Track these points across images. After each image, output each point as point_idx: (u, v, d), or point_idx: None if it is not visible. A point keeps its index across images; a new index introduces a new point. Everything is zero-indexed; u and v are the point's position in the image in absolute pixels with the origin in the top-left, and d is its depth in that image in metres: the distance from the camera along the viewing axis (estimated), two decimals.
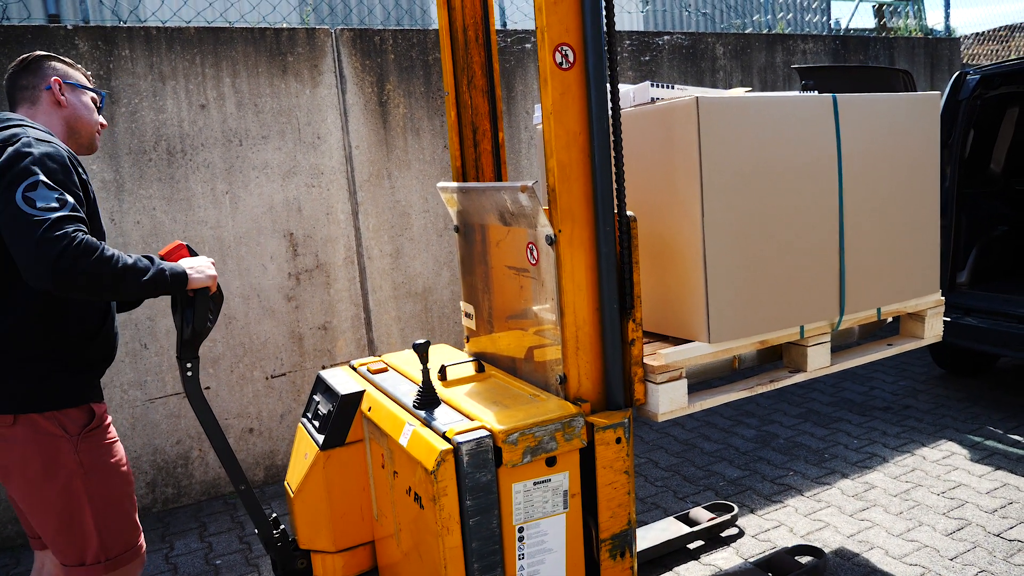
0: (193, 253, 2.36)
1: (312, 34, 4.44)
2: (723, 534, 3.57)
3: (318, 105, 4.47)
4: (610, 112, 2.18)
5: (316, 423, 2.62)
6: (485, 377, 2.53)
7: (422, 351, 2.27)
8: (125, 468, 2.30)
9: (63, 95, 2.30)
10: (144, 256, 2.09)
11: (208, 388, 4.29)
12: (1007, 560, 3.18)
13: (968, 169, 5.09)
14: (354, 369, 2.81)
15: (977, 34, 10.79)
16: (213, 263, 2.31)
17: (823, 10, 8.47)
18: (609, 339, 2.25)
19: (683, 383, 2.35)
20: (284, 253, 4.44)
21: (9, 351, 2.11)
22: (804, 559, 3.24)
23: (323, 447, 2.48)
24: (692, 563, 3.35)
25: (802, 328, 2.58)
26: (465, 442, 1.98)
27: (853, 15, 8.86)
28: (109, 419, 2.30)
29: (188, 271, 2.19)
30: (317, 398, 2.69)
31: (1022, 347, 4.40)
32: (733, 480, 4.13)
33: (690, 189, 2.32)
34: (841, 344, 2.86)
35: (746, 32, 6.84)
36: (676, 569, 3.31)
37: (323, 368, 4.57)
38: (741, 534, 3.56)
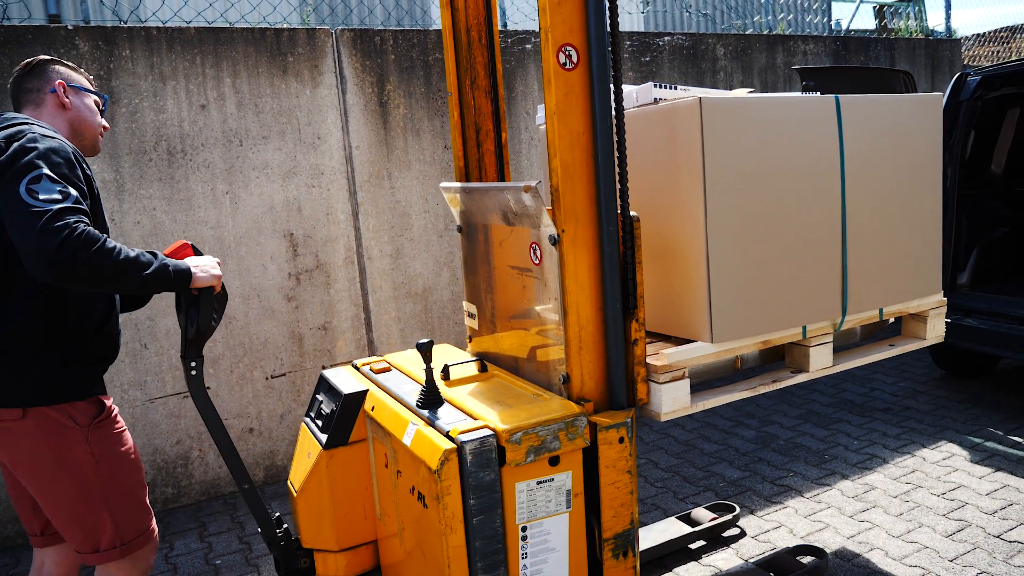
0: (198, 252, 2.37)
1: (312, 34, 4.44)
2: (724, 534, 3.57)
3: (318, 105, 4.47)
4: (614, 112, 2.18)
5: (319, 422, 2.61)
6: (488, 377, 2.53)
7: (425, 350, 2.27)
8: (135, 456, 2.35)
9: (67, 98, 2.34)
10: (148, 251, 2.11)
11: (208, 388, 4.25)
12: (1007, 561, 3.18)
13: (969, 170, 5.10)
14: (357, 369, 2.81)
15: (978, 35, 10.81)
16: (218, 263, 2.33)
17: (824, 11, 8.48)
18: (612, 339, 2.25)
19: (686, 383, 2.35)
20: (284, 253, 4.44)
21: (14, 346, 2.13)
22: (806, 559, 3.24)
23: (326, 446, 2.48)
24: (692, 564, 3.35)
25: (804, 328, 2.58)
26: (469, 441, 1.99)
27: (854, 16, 8.87)
28: (116, 410, 2.35)
29: (192, 269, 2.21)
30: (320, 397, 2.69)
31: (1023, 348, 4.41)
32: (733, 481, 4.13)
33: (693, 189, 2.32)
34: (843, 344, 2.87)
35: (747, 33, 6.84)
36: (676, 570, 3.31)
37: (323, 368, 4.57)
38: (743, 534, 3.56)
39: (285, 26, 4.47)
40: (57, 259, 1.87)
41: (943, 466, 4.09)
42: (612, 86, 2.18)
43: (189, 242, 2.37)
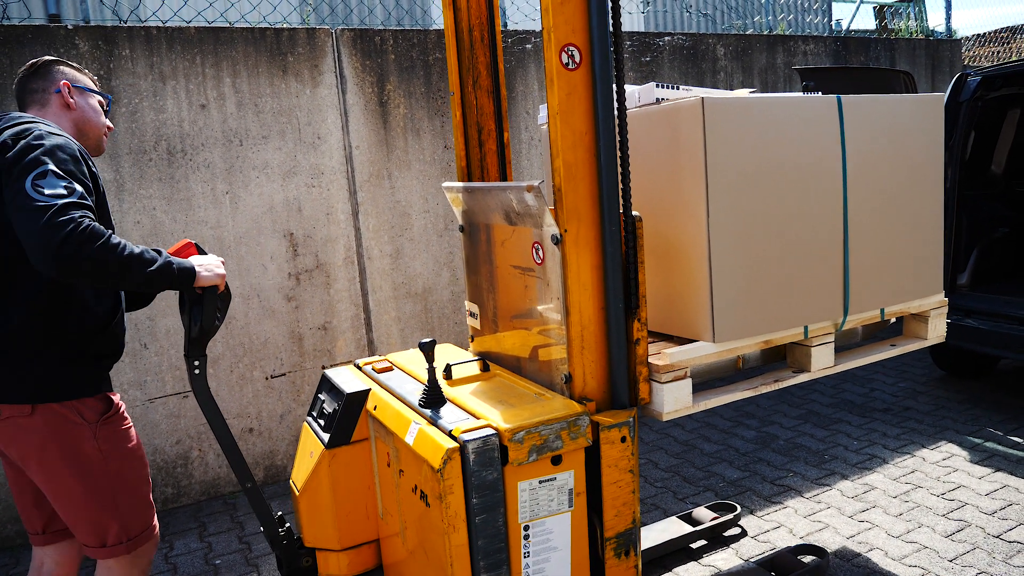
0: (201, 251, 2.37)
1: (312, 34, 4.44)
2: (726, 534, 3.57)
3: (318, 105, 4.47)
4: (616, 112, 2.19)
5: (321, 422, 2.62)
6: (490, 376, 2.54)
7: (428, 350, 2.27)
8: (141, 452, 2.38)
9: (72, 98, 2.36)
10: (153, 249, 2.11)
11: None
12: (1006, 562, 3.18)
13: (969, 171, 5.10)
14: (359, 368, 2.82)
15: (978, 36, 10.83)
16: (223, 262, 2.34)
17: (824, 11, 8.50)
18: (614, 338, 2.25)
19: (688, 382, 2.36)
20: (284, 253, 4.44)
21: (21, 343, 2.15)
22: (807, 559, 3.24)
23: (328, 445, 2.49)
24: (692, 564, 3.35)
25: (806, 328, 2.59)
26: (471, 440, 1.99)
27: (854, 16, 8.88)
28: (124, 406, 2.37)
29: (197, 268, 2.23)
30: (322, 397, 2.69)
31: (1023, 349, 4.41)
32: (733, 481, 4.13)
33: (695, 189, 2.32)
34: (844, 344, 2.87)
35: (747, 33, 6.85)
36: (676, 570, 3.31)
37: (323, 368, 4.57)
38: (744, 534, 3.56)
39: (285, 26, 4.47)
40: (61, 253, 1.88)
41: (943, 466, 4.10)
42: (615, 86, 2.18)
43: (193, 241, 2.38)
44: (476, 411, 2.19)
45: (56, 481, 2.22)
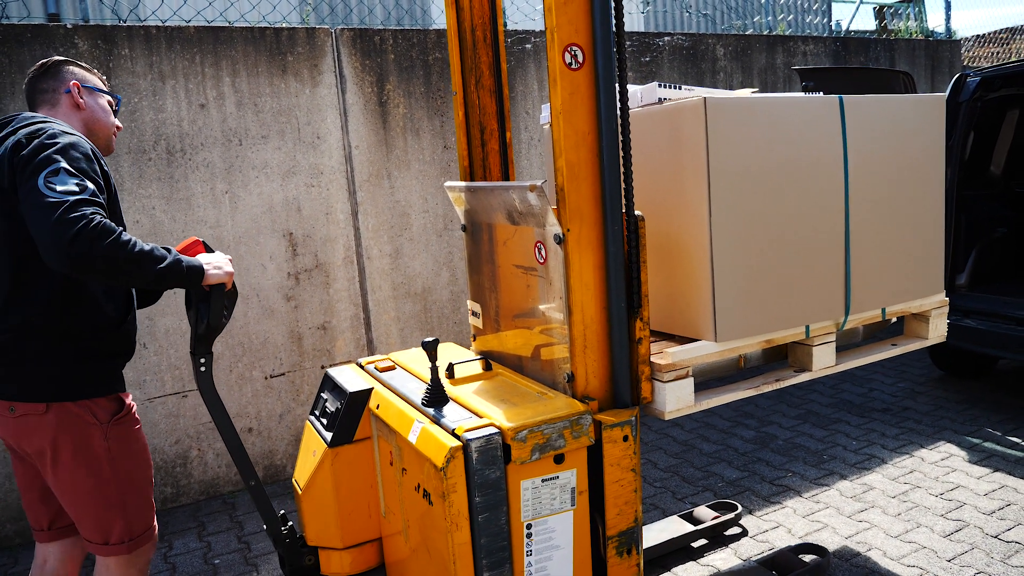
0: (209, 249, 2.38)
1: (312, 34, 4.43)
2: (726, 533, 3.57)
3: (318, 105, 4.46)
4: (619, 112, 2.19)
5: (324, 420, 2.62)
6: (493, 375, 2.54)
7: (431, 349, 2.27)
8: (147, 454, 2.40)
9: (81, 98, 2.38)
10: (162, 247, 2.12)
11: None
12: (1004, 561, 3.19)
13: (968, 171, 5.11)
14: (361, 367, 2.82)
15: (978, 36, 10.85)
16: (230, 260, 2.36)
17: (824, 12, 8.51)
18: (616, 338, 2.26)
19: (690, 382, 2.36)
20: (283, 253, 4.44)
21: (35, 341, 2.17)
22: (808, 558, 3.25)
23: (331, 444, 2.49)
24: (691, 563, 3.35)
25: (807, 328, 2.59)
26: (475, 439, 1.99)
27: (854, 17, 8.87)
28: (134, 407, 2.38)
29: (205, 266, 2.24)
30: (325, 396, 2.69)
31: (1021, 349, 4.42)
32: (732, 481, 4.14)
33: (697, 189, 2.33)
34: (846, 344, 2.87)
35: (747, 33, 6.86)
36: (675, 569, 3.31)
37: (323, 368, 4.57)
38: (744, 533, 3.57)
39: (285, 25, 4.47)
40: (73, 249, 1.90)
41: (941, 466, 4.11)
42: (617, 86, 2.19)
43: (201, 239, 2.38)
44: (479, 410, 2.19)
45: (66, 478, 2.24)
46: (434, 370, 2.29)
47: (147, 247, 2.04)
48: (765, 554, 3.34)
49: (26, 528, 3.94)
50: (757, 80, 6.27)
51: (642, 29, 8.30)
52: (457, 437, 2.03)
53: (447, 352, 2.83)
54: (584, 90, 2.15)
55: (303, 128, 4.43)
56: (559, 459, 2.11)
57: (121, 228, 2.02)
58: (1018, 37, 10.56)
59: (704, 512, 3.59)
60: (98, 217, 1.95)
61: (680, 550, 3.44)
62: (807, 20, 8.58)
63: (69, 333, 2.19)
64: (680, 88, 2.52)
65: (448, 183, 2.81)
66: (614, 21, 2.17)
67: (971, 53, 10.48)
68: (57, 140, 2.09)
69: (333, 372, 2.73)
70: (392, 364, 2.76)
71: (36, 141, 2.08)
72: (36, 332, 2.16)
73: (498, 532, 2.05)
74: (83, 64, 2.44)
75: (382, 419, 2.39)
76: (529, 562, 2.12)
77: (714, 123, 2.27)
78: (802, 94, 2.80)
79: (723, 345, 2.42)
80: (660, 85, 2.51)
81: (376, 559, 2.63)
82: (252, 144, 4.31)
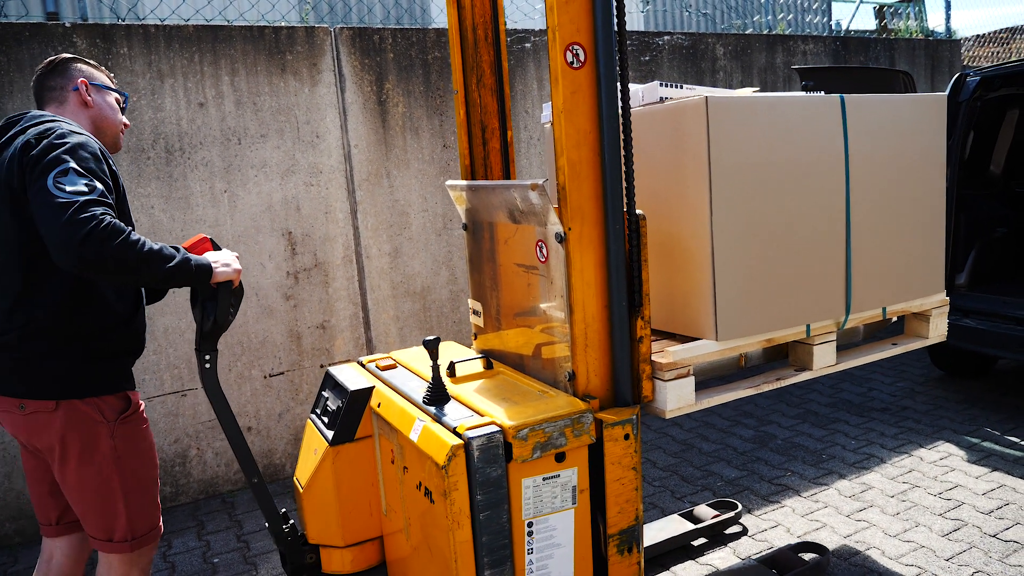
0: (216, 247, 2.39)
1: (311, 32, 4.43)
2: (726, 532, 3.57)
3: (317, 104, 4.46)
4: (620, 111, 2.19)
5: (325, 419, 2.62)
6: (494, 374, 2.54)
7: (432, 347, 2.27)
8: (154, 453, 2.41)
9: (89, 96, 2.40)
10: (171, 246, 2.13)
11: None
12: (1003, 561, 3.20)
13: (968, 171, 5.11)
14: (362, 365, 2.82)
15: (978, 36, 10.87)
16: (237, 257, 2.37)
17: (824, 11, 8.51)
18: (618, 336, 2.26)
19: (691, 380, 2.36)
20: (282, 252, 4.43)
21: (45, 339, 2.18)
22: (807, 556, 3.25)
23: (332, 443, 2.49)
24: (689, 562, 3.35)
25: (808, 327, 2.59)
26: (476, 437, 1.99)
27: (854, 16, 8.90)
28: (143, 406, 2.39)
29: (213, 264, 2.25)
30: (326, 394, 2.69)
31: (1021, 349, 4.43)
32: (731, 480, 4.14)
33: (699, 188, 2.33)
34: (846, 343, 2.88)
35: (746, 33, 6.86)
36: (674, 568, 3.31)
37: (322, 367, 4.57)
38: (745, 532, 3.57)
39: (284, 24, 4.47)
40: (82, 250, 1.91)
41: (940, 466, 4.11)
42: (619, 84, 2.19)
43: (208, 236, 2.39)
44: (480, 408, 2.19)
45: (72, 475, 2.25)
46: (435, 368, 2.29)
47: (156, 246, 2.05)
48: (764, 553, 3.34)
49: (26, 527, 3.94)
50: (757, 79, 6.27)
51: (642, 28, 8.30)
52: (459, 435, 2.03)
53: (448, 351, 2.84)
54: (586, 89, 2.15)
55: (302, 127, 4.43)
56: (560, 457, 2.11)
57: (130, 228, 2.03)
58: (1018, 37, 10.57)
59: (704, 511, 3.59)
60: (108, 217, 1.95)
61: (680, 549, 3.44)
62: (807, 19, 8.59)
63: (79, 332, 2.20)
64: (681, 87, 2.52)
65: (449, 182, 2.81)
66: (615, 20, 2.17)
67: (971, 53, 10.50)
68: (66, 140, 2.09)
69: (334, 370, 2.73)
70: (393, 363, 2.76)
71: (45, 141, 2.09)
72: (46, 331, 2.17)
73: (499, 530, 2.05)
74: (91, 61, 2.45)
75: (383, 417, 2.39)
76: (530, 560, 2.12)
77: (716, 122, 2.27)
78: (801, 93, 2.80)
79: (724, 344, 2.42)
80: (661, 84, 2.51)
81: (377, 557, 2.63)
82: (251, 143, 4.30)
